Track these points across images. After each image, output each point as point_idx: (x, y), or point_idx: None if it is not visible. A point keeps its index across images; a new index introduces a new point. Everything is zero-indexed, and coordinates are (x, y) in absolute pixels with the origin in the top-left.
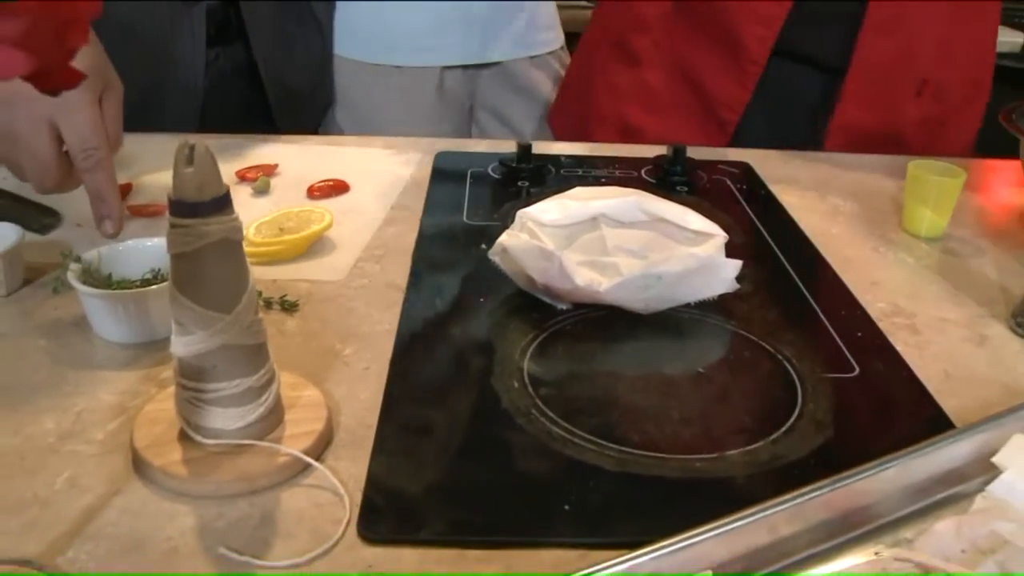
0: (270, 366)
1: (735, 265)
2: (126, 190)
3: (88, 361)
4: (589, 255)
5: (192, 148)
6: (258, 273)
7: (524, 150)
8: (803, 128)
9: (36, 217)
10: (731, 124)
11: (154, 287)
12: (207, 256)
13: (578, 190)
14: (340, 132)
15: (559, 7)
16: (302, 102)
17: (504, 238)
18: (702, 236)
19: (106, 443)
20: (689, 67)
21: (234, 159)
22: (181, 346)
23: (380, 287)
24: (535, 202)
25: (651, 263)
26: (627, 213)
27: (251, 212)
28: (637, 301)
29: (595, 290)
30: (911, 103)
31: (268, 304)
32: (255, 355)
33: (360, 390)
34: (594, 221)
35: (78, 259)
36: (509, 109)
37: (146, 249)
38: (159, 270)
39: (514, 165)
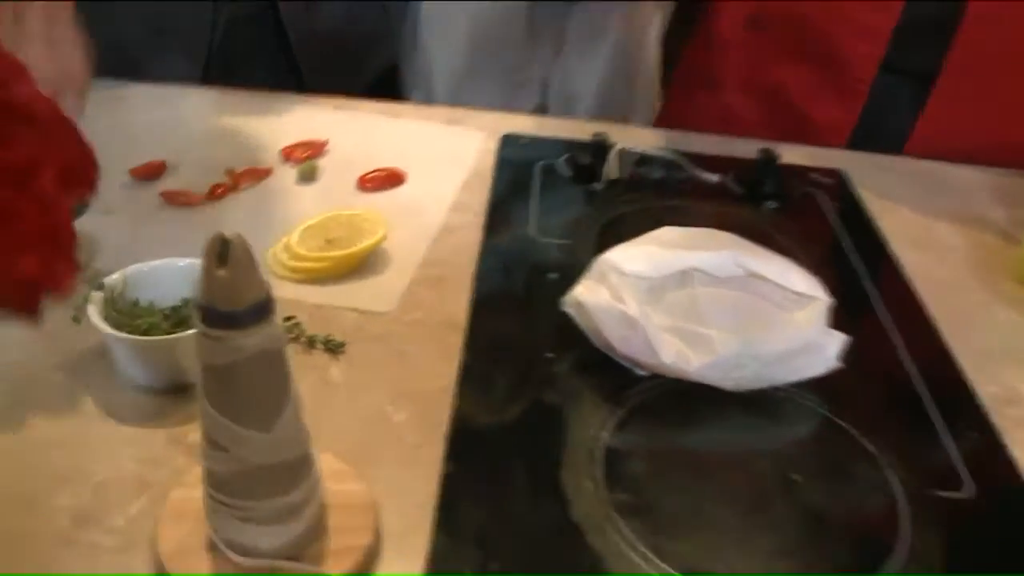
0: (314, 475)
1: (839, 343)
2: (159, 170)
3: (110, 408)
4: (678, 319)
5: (226, 244)
6: (301, 293)
7: (598, 146)
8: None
9: None
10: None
11: (183, 335)
12: (243, 370)
13: (666, 232)
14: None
15: None
16: (344, 54)
17: (581, 291)
18: (804, 299)
19: (126, 533)
20: (777, 89)
21: (275, 128)
22: (212, 462)
23: (436, 324)
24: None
25: (748, 341)
26: (722, 267)
27: (295, 205)
28: (728, 380)
29: (683, 368)
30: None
31: (311, 343)
32: (297, 469)
33: (412, 476)
34: (685, 275)
35: (100, 286)
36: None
37: (177, 271)
38: (189, 302)
39: (587, 163)
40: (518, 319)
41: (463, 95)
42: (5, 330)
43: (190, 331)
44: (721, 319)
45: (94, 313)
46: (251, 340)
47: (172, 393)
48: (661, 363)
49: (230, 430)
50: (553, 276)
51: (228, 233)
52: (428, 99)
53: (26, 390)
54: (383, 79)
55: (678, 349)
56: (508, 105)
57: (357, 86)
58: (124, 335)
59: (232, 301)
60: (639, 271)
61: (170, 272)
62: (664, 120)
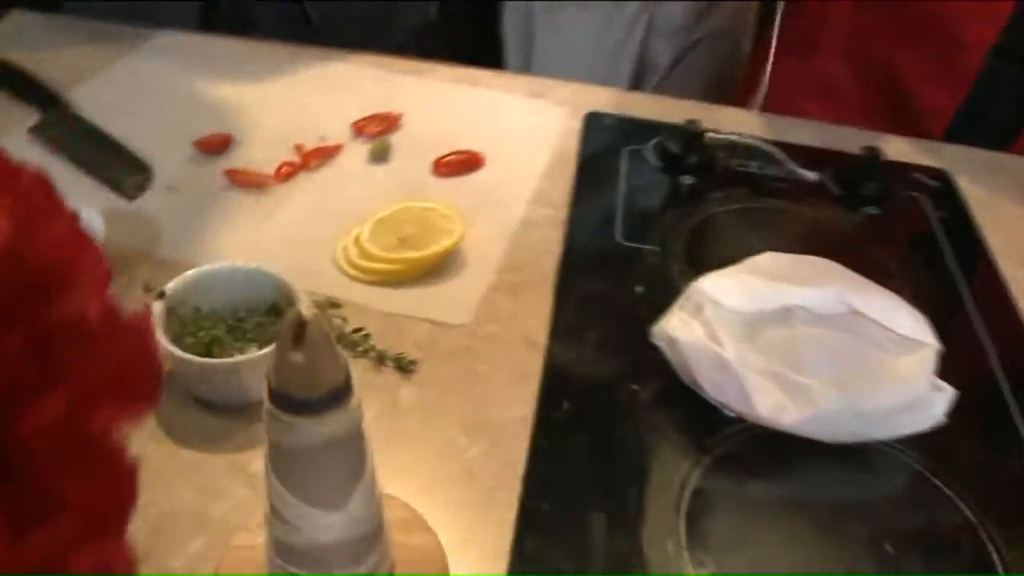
0: (384, 541)
1: (947, 399)
2: (224, 143)
3: (169, 427)
4: (775, 363)
5: (302, 326)
6: (371, 298)
7: (691, 135)
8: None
9: (125, 173)
10: (934, 138)
11: (248, 359)
12: (316, 454)
13: (766, 259)
14: None
15: None
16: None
17: (674, 325)
18: (910, 343)
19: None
20: (881, 62)
21: (346, 97)
22: (277, 531)
23: (514, 340)
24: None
25: (851, 396)
26: (825, 304)
27: (366, 188)
28: (825, 433)
29: (779, 421)
30: None
31: (381, 359)
32: (369, 541)
33: (485, 526)
34: (785, 312)
35: (162, 294)
36: None
37: (242, 277)
38: (255, 313)
39: (677, 152)
40: (601, 341)
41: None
42: None
43: (256, 354)
44: (822, 365)
45: (156, 329)
46: (326, 428)
47: (235, 412)
48: (756, 413)
49: (297, 508)
50: (639, 289)
51: (306, 313)
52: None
53: None
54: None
55: (775, 400)
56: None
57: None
58: (187, 356)
59: (307, 388)
60: (736, 305)
61: (234, 277)
62: (750, 84)
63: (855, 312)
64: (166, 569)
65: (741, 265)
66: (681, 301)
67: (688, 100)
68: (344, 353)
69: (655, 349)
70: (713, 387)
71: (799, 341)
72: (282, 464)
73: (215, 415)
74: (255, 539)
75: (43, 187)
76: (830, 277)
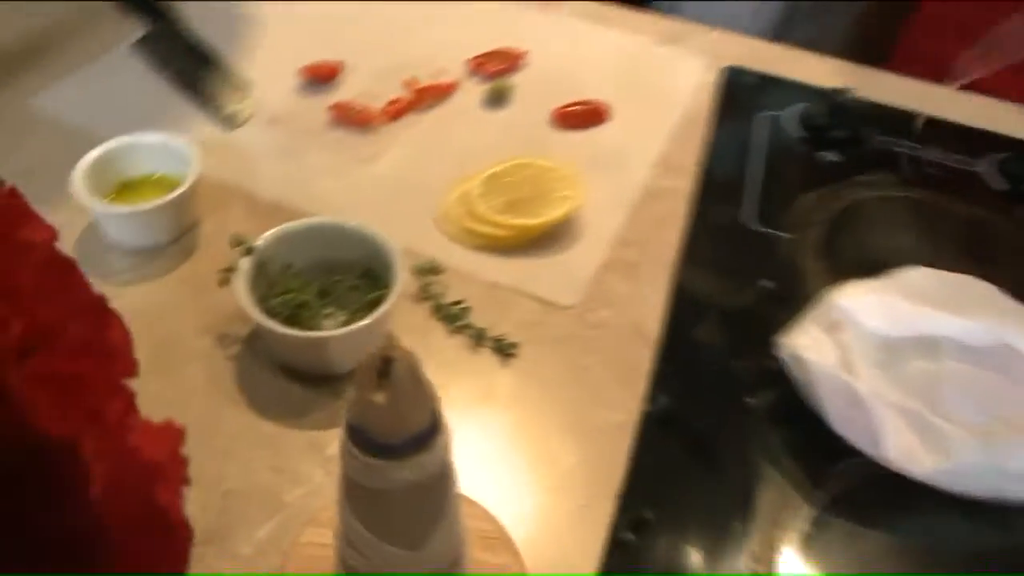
0: (462, 567)
1: None
2: (332, 72)
3: (251, 393)
4: (912, 399)
5: (389, 363)
6: (475, 264)
7: (838, 103)
8: None
9: (228, 100)
10: None
11: (337, 334)
12: (395, 497)
13: (914, 275)
14: None
15: None
16: None
17: (804, 342)
18: None
19: (250, 563)
20: None
21: (466, 28)
22: (350, 558)
23: (624, 329)
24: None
25: (993, 450)
26: (975, 335)
27: (480, 135)
28: (959, 486)
29: (908, 468)
30: None
31: (479, 339)
32: (445, 572)
33: (573, 544)
34: (931, 343)
35: (249, 250)
36: None
37: (339, 233)
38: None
39: (822, 123)
40: (718, 341)
41: None
42: (155, 273)
43: (342, 330)
44: (965, 408)
45: (241, 288)
46: (407, 473)
47: (318, 382)
48: (883, 456)
49: (373, 545)
50: (766, 284)
51: (394, 348)
52: None
53: (165, 352)
54: None
55: (907, 444)
56: None
57: None
58: (270, 324)
59: (389, 432)
60: (877, 328)
61: (330, 234)
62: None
63: (1011, 349)
64: (234, 555)
65: (886, 280)
66: (815, 313)
67: (840, 59)
68: (440, 327)
69: (776, 356)
70: (840, 420)
71: (942, 377)
72: (356, 499)
73: (298, 382)
74: (324, 536)
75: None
76: (987, 305)
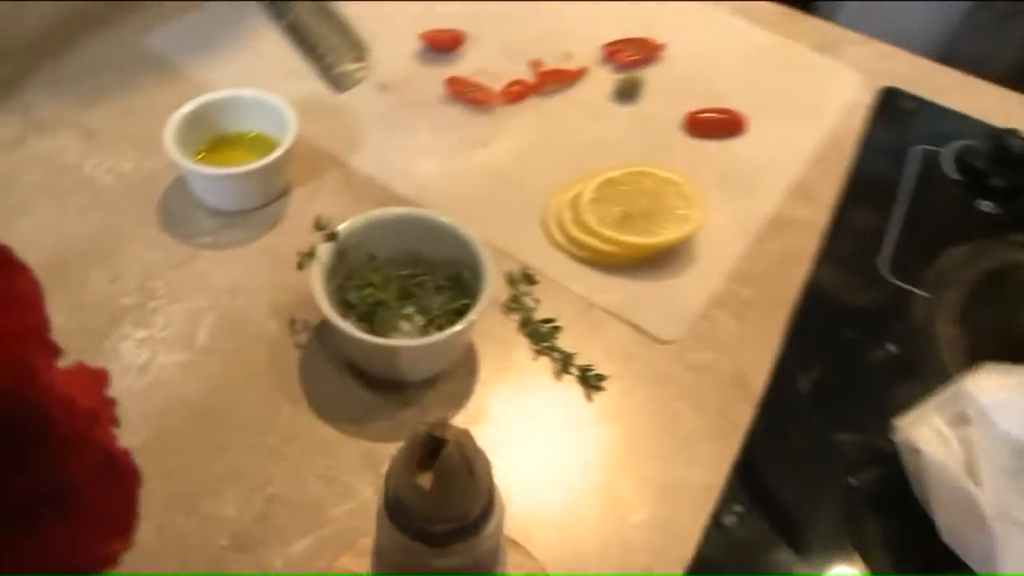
0: None
1: None
2: (454, 42)
3: (313, 391)
4: None
5: (435, 442)
6: (574, 277)
7: (1001, 148)
8: None
9: (341, 59)
10: None
11: (410, 345)
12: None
13: None
14: None
15: None
16: None
17: (924, 435)
18: None
19: None
20: None
21: (602, 11)
22: None
23: (725, 378)
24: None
25: None
26: None
27: (604, 130)
28: None
29: None
30: None
31: (565, 365)
32: None
33: None
34: None
35: (332, 236)
36: None
37: (431, 228)
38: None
39: (980, 166)
40: (826, 406)
41: None
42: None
43: (417, 342)
44: None
45: (317, 279)
46: (445, 560)
47: (385, 388)
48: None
49: None
50: (892, 349)
51: (446, 428)
52: None
53: (231, 329)
54: None
55: None
56: None
57: None
58: (344, 326)
59: (429, 517)
60: (1011, 429)
61: (420, 227)
62: None
63: None
64: (264, 567)
65: None
66: (941, 399)
67: (1014, 86)
68: (525, 343)
69: (888, 436)
70: (952, 531)
71: None
72: (388, 566)
73: (364, 384)
74: (359, 565)
75: None
76: None
